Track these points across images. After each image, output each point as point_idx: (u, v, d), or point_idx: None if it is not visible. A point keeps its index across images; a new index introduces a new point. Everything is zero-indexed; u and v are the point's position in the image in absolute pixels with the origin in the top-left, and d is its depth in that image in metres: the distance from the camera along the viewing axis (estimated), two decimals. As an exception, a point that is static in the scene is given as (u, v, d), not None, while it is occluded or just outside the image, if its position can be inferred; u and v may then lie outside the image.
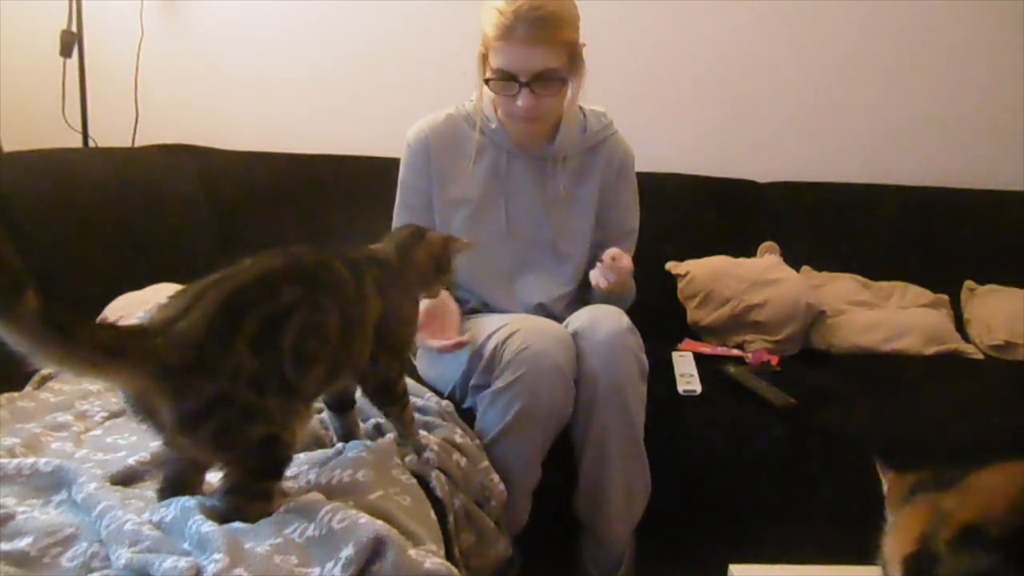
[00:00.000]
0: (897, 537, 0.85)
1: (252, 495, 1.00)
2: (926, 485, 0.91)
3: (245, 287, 1.01)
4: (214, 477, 1.05)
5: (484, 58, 1.61)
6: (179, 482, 1.04)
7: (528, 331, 1.49)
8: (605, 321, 1.55)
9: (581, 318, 1.60)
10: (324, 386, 1.12)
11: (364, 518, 0.95)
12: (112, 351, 0.90)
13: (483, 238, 1.67)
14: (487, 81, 1.60)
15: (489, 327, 1.55)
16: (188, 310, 0.96)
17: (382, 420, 1.37)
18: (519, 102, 1.58)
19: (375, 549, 0.91)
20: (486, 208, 1.73)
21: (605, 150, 1.78)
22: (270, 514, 0.99)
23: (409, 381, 1.55)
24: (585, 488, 1.57)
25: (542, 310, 1.73)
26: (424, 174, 1.75)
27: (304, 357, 1.01)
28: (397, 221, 1.80)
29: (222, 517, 0.97)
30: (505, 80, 1.57)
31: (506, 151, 1.73)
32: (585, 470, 1.55)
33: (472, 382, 1.55)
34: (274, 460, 1.02)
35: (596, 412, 1.51)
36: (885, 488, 1.01)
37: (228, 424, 0.95)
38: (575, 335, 1.56)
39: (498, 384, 1.46)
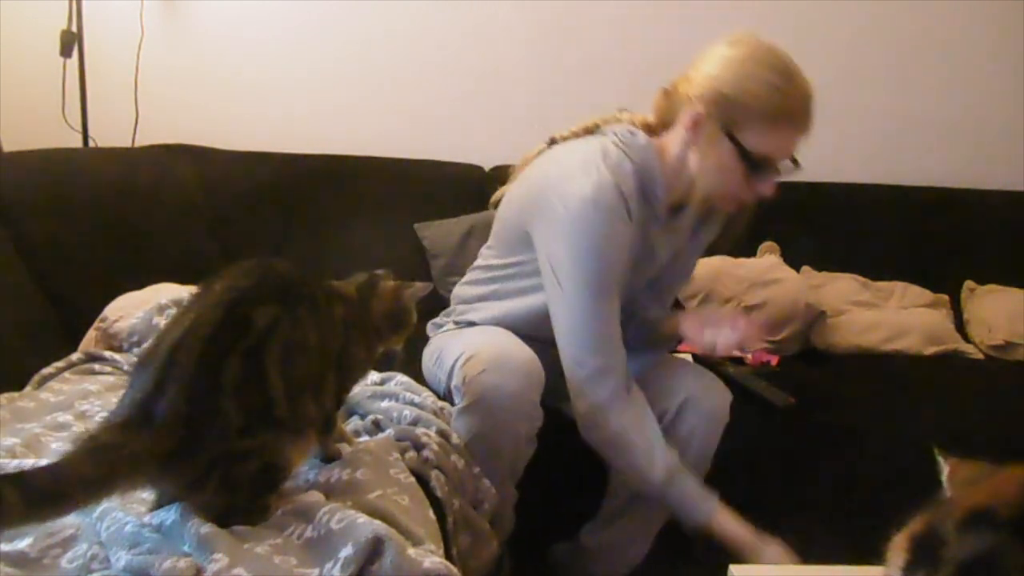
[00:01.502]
0: (905, 530, 0.85)
1: (248, 511, 0.99)
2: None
3: (216, 332, 0.95)
4: None
5: (717, 135, 1.36)
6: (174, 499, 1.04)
7: (489, 353, 1.39)
8: (718, 397, 1.53)
9: (692, 382, 1.53)
10: (316, 406, 1.06)
11: (362, 518, 0.95)
12: (103, 478, 0.87)
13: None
14: (748, 164, 1.36)
15: (463, 343, 1.50)
16: (162, 385, 0.91)
17: (380, 416, 1.37)
18: (764, 190, 1.39)
19: (374, 549, 0.91)
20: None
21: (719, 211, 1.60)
22: (267, 518, 1.00)
23: (406, 379, 1.56)
24: (619, 529, 1.58)
25: None
26: (627, 245, 1.42)
27: (293, 381, 0.99)
28: (600, 313, 1.41)
29: (221, 524, 0.97)
30: (764, 167, 1.36)
31: (655, 215, 1.49)
32: (619, 519, 1.57)
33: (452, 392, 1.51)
34: (271, 482, 1.01)
35: None
36: (946, 472, 1.01)
37: (228, 472, 0.95)
38: (679, 395, 1.50)
39: (459, 405, 1.41)
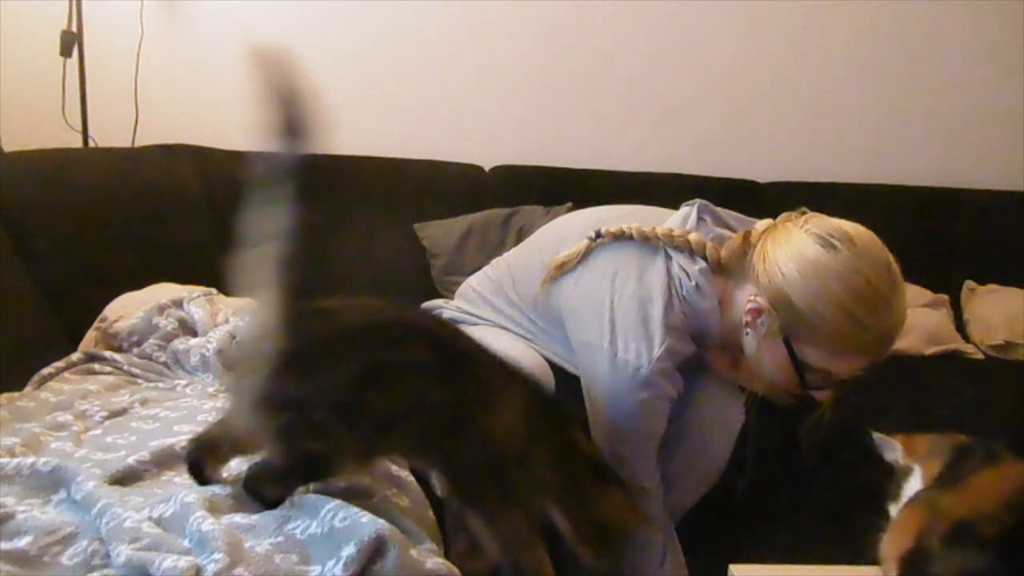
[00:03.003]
0: (894, 536, 0.85)
1: (275, 482, 1.01)
2: (931, 484, 0.92)
3: (384, 325, 1.03)
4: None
5: (775, 336, 1.25)
6: (209, 450, 1.06)
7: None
8: (733, 409, 1.48)
9: (708, 393, 1.45)
10: (398, 443, 1.07)
11: (366, 516, 0.95)
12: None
13: None
14: (803, 373, 1.25)
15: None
16: (334, 314, 1.00)
17: None
18: (820, 395, 1.32)
19: (376, 548, 0.91)
20: None
21: None
22: (282, 502, 1.01)
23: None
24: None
25: None
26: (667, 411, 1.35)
27: (393, 417, 1.01)
28: (630, 457, 1.33)
29: (243, 481, 1.00)
30: (818, 377, 1.26)
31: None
32: None
33: None
34: (312, 473, 1.03)
35: (674, 482, 1.46)
36: (900, 452, 1.00)
37: (293, 428, 0.97)
38: (689, 400, 1.42)
39: None
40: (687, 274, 1.30)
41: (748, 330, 1.28)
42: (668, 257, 1.32)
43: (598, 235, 1.37)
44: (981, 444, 0.94)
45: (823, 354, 1.22)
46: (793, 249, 1.22)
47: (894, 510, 0.93)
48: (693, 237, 1.33)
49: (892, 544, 0.84)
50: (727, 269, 1.32)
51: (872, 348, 1.22)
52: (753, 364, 1.32)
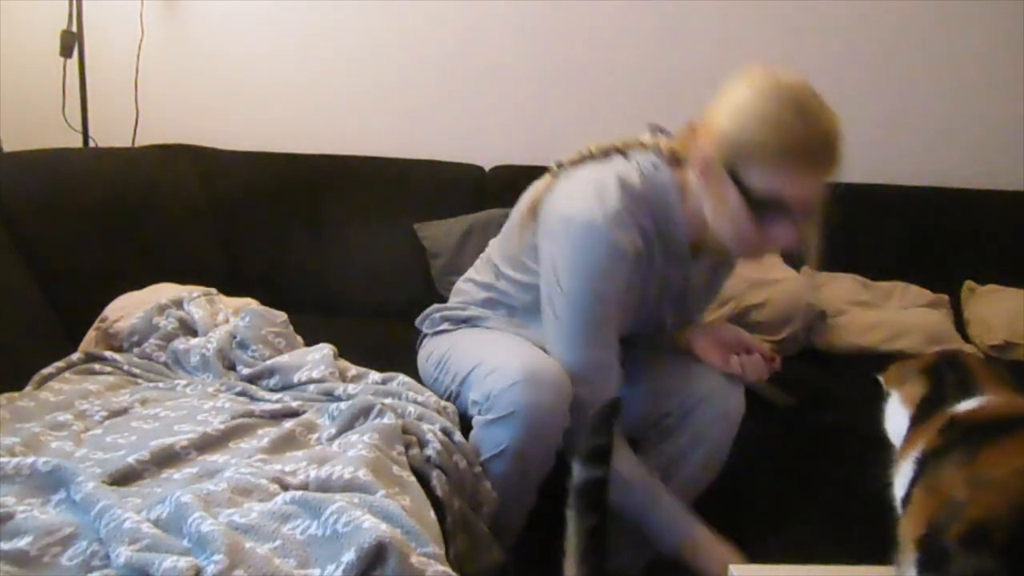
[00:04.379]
0: (911, 519, 0.85)
1: None
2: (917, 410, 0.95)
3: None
4: None
5: (720, 174, 1.28)
6: None
7: (520, 366, 1.34)
8: (733, 397, 1.49)
9: (709, 381, 1.48)
10: None
11: (368, 521, 0.95)
12: None
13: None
14: (758, 208, 1.26)
15: (477, 352, 1.47)
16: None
17: (387, 400, 1.39)
18: (781, 239, 1.29)
19: (377, 555, 0.91)
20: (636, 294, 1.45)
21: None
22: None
23: (408, 379, 1.55)
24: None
25: None
26: (627, 280, 1.38)
27: None
28: (591, 342, 1.39)
29: None
30: (777, 211, 1.26)
31: (675, 248, 1.44)
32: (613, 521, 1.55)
33: (460, 398, 1.50)
34: None
35: (674, 469, 1.49)
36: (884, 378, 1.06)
37: None
38: (690, 388, 1.47)
39: (489, 416, 1.37)
40: (643, 159, 1.39)
41: (705, 192, 1.32)
42: (625, 155, 1.41)
43: (559, 165, 1.46)
44: (948, 363, 1.00)
45: (767, 174, 1.23)
46: (723, 93, 1.30)
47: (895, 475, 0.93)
48: (646, 138, 1.43)
49: (909, 526, 0.84)
50: (682, 160, 1.38)
51: (811, 158, 1.25)
52: (717, 231, 1.34)
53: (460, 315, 1.63)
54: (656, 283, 1.46)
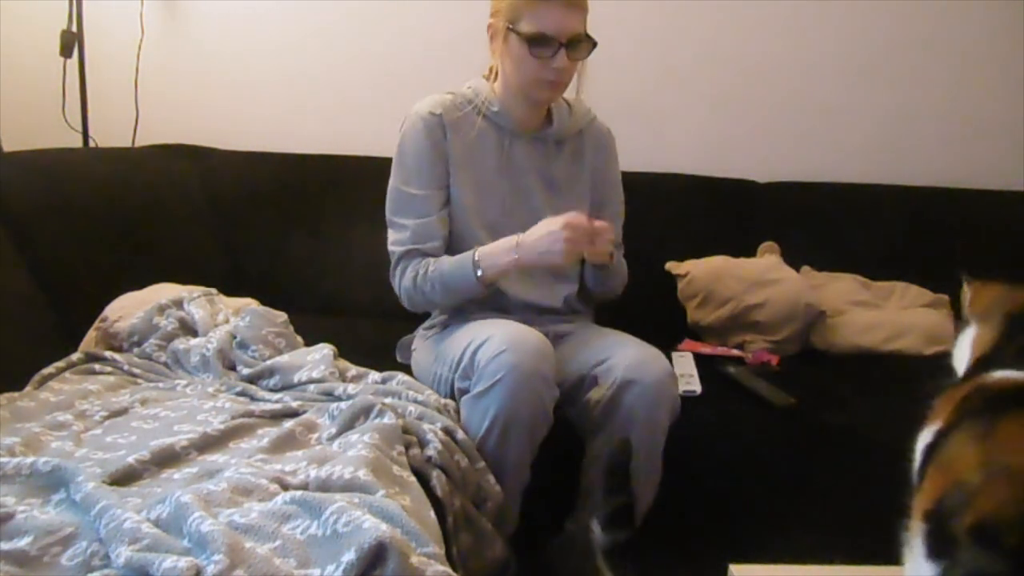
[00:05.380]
0: (923, 490, 0.83)
1: None
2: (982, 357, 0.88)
3: None
4: None
5: (505, 32, 1.62)
6: None
7: (504, 336, 1.46)
8: (653, 365, 1.53)
9: (627, 355, 1.56)
10: None
11: (368, 522, 0.95)
12: None
13: (487, 222, 1.68)
14: (530, 44, 1.59)
15: (467, 335, 1.54)
16: None
17: (388, 399, 1.40)
18: (556, 63, 1.59)
19: (377, 555, 0.91)
20: (491, 192, 1.71)
21: (592, 132, 1.81)
22: None
23: (407, 378, 1.56)
24: (587, 516, 1.56)
25: (533, 311, 1.71)
26: (443, 154, 1.70)
27: None
28: (401, 218, 1.73)
29: None
30: (543, 44, 1.58)
31: (508, 133, 1.73)
32: (590, 501, 1.56)
33: (455, 385, 1.54)
34: None
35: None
36: (967, 300, 0.98)
37: None
38: (617, 370, 1.52)
39: (476, 389, 1.44)
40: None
41: (498, 57, 1.68)
42: None
43: None
44: None
45: (530, 16, 1.58)
46: None
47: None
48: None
49: (920, 498, 0.83)
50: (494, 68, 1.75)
51: None
52: (512, 79, 1.67)
53: (443, 320, 1.72)
54: (508, 171, 1.72)
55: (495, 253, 1.58)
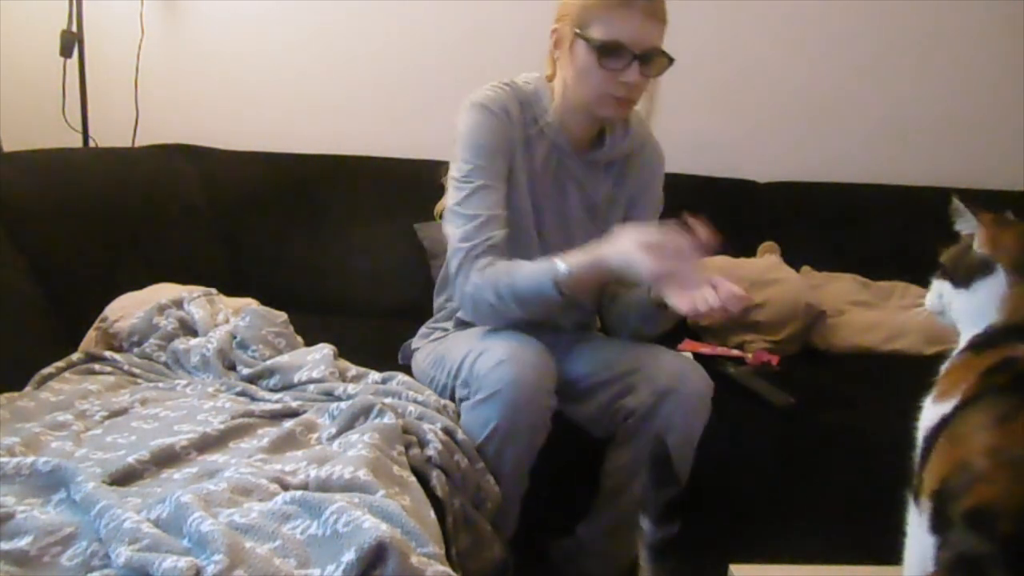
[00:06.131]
0: (931, 468, 0.82)
1: None
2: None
3: None
4: None
5: (572, 38, 1.49)
6: None
7: (503, 347, 1.43)
8: (694, 375, 1.51)
9: (668, 364, 1.52)
10: None
11: (368, 521, 0.95)
12: None
13: (520, 238, 1.56)
14: (600, 53, 1.44)
15: (466, 343, 1.53)
16: None
17: (388, 399, 1.40)
18: (626, 77, 1.45)
19: (377, 555, 0.91)
20: (530, 205, 1.59)
21: (646, 154, 1.67)
22: None
23: (407, 379, 1.56)
24: (607, 521, 1.58)
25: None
26: (508, 141, 1.55)
27: None
28: (464, 196, 1.53)
29: None
30: (614, 53, 1.44)
31: (557, 148, 1.60)
32: (613, 506, 1.56)
33: (455, 393, 1.53)
34: None
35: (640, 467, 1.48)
36: (980, 238, 0.92)
37: None
38: (660, 378, 1.49)
39: (476, 398, 1.42)
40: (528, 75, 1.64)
41: (561, 64, 1.55)
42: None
43: None
44: None
45: (603, 23, 1.44)
46: None
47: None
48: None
49: (928, 477, 0.82)
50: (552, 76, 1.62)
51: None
52: (575, 91, 1.53)
53: (446, 325, 1.69)
54: (549, 188, 1.60)
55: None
